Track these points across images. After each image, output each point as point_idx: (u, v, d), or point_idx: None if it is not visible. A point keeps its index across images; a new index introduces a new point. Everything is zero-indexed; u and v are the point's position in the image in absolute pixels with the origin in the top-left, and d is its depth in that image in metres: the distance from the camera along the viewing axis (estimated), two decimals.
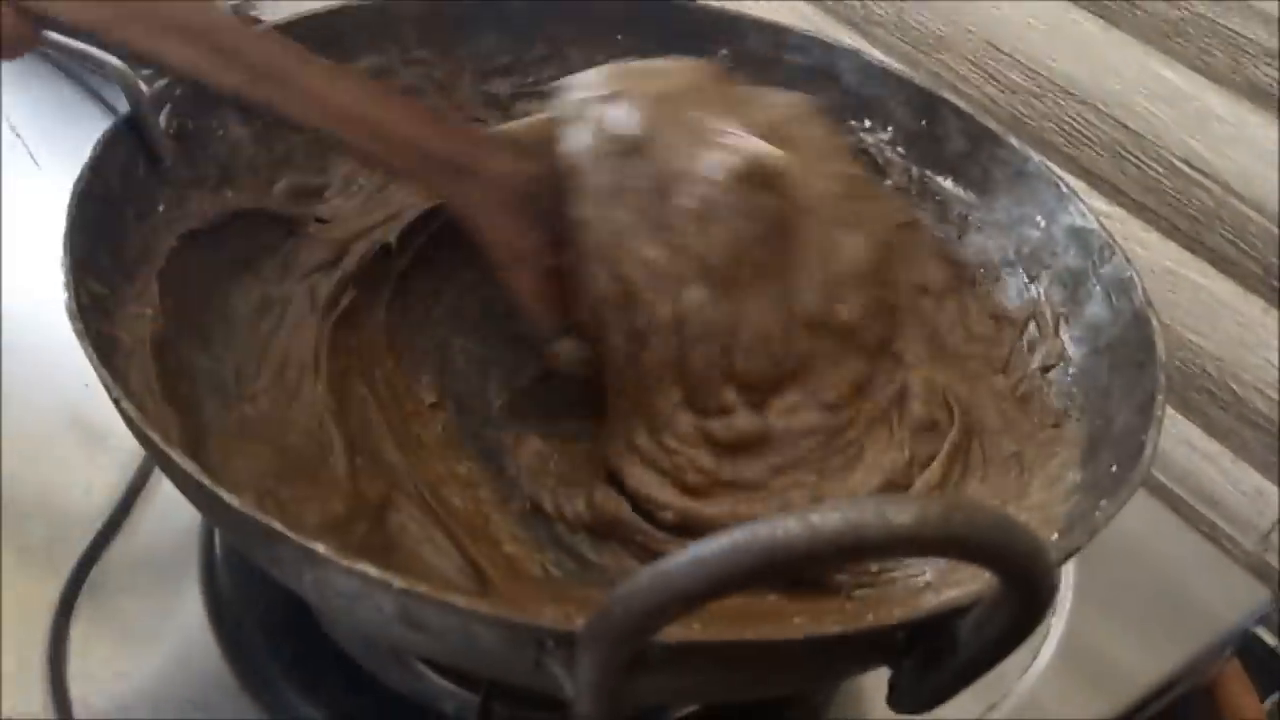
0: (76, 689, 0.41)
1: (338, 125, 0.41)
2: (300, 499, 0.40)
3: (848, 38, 0.71)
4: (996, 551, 0.24)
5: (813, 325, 0.44)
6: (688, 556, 0.24)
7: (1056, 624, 0.51)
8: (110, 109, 0.66)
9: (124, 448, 0.49)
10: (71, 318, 0.35)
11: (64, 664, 0.41)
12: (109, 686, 0.41)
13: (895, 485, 0.44)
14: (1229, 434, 0.59)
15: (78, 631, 0.43)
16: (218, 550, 0.47)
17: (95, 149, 0.40)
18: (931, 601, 0.35)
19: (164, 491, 0.48)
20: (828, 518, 0.23)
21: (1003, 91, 0.64)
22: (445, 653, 0.36)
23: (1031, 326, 0.48)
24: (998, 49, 0.64)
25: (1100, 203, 0.61)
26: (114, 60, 0.40)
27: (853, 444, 0.46)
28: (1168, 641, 0.52)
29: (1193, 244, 0.58)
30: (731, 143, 0.43)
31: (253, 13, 0.68)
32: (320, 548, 0.29)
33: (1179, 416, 0.60)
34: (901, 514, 0.23)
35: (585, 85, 0.45)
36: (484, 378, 0.51)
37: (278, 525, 0.30)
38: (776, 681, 0.35)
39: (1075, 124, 0.61)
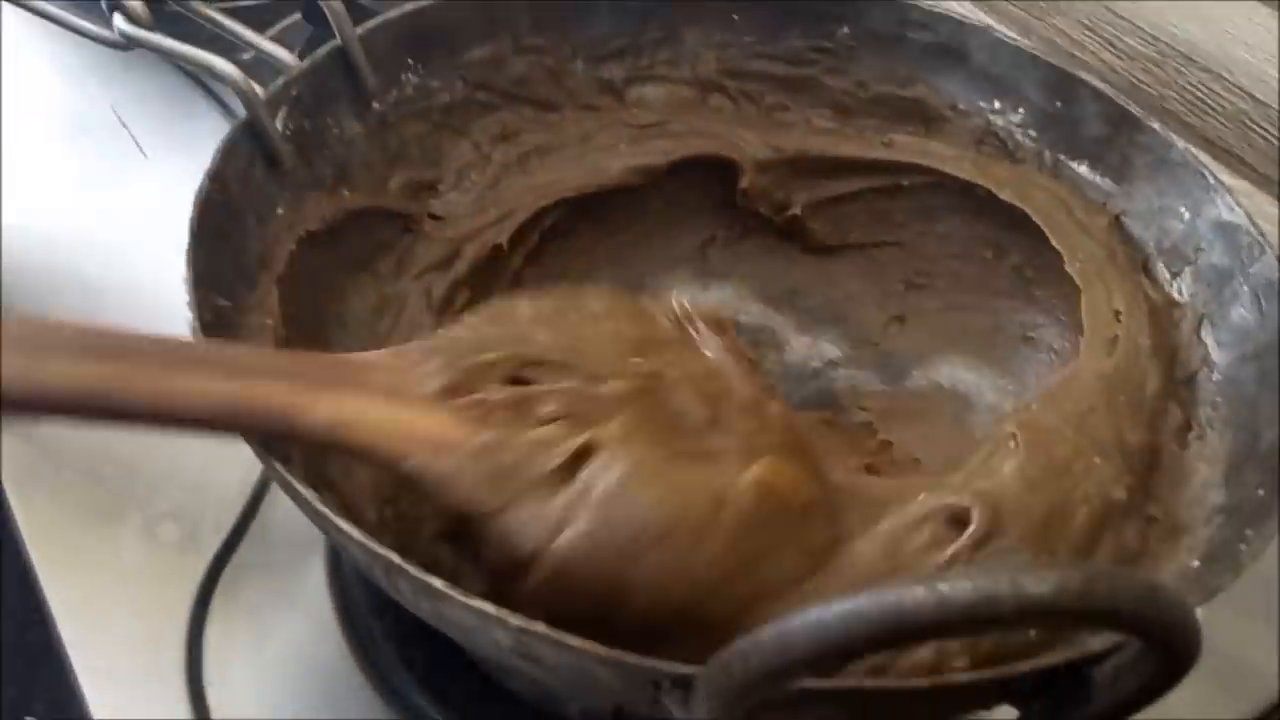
0: (213, 693, 0.42)
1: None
2: (421, 506, 0.40)
3: (959, 6, 0.68)
4: (1141, 622, 0.23)
5: None
6: (811, 619, 0.23)
7: None
8: (216, 99, 0.66)
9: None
10: (195, 336, 0.35)
11: (200, 667, 0.42)
12: (244, 689, 0.42)
13: None
14: None
15: (212, 633, 0.44)
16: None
17: (215, 158, 0.40)
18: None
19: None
20: (958, 586, 0.22)
21: (1120, 58, 0.61)
22: (562, 685, 0.36)
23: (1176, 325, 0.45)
24: (1116, 13, 0.60)
25: (1224, 175, 0.57)
26: (229, 67, 0.41)
27: None
28: None
29: None
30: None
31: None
32: (437, 582, 0.29)
33: None
34: (1039, 584, 0.22)
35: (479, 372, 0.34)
36: None
37: (395, 559, 0.30)
38: None
39: (1198, 93, 0.58)
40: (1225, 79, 0.56)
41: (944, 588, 0.22)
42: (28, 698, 0.46)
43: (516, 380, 0.35)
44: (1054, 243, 0.46)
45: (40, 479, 0.48)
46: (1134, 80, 0.60)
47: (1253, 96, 0.55)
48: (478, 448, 0.32)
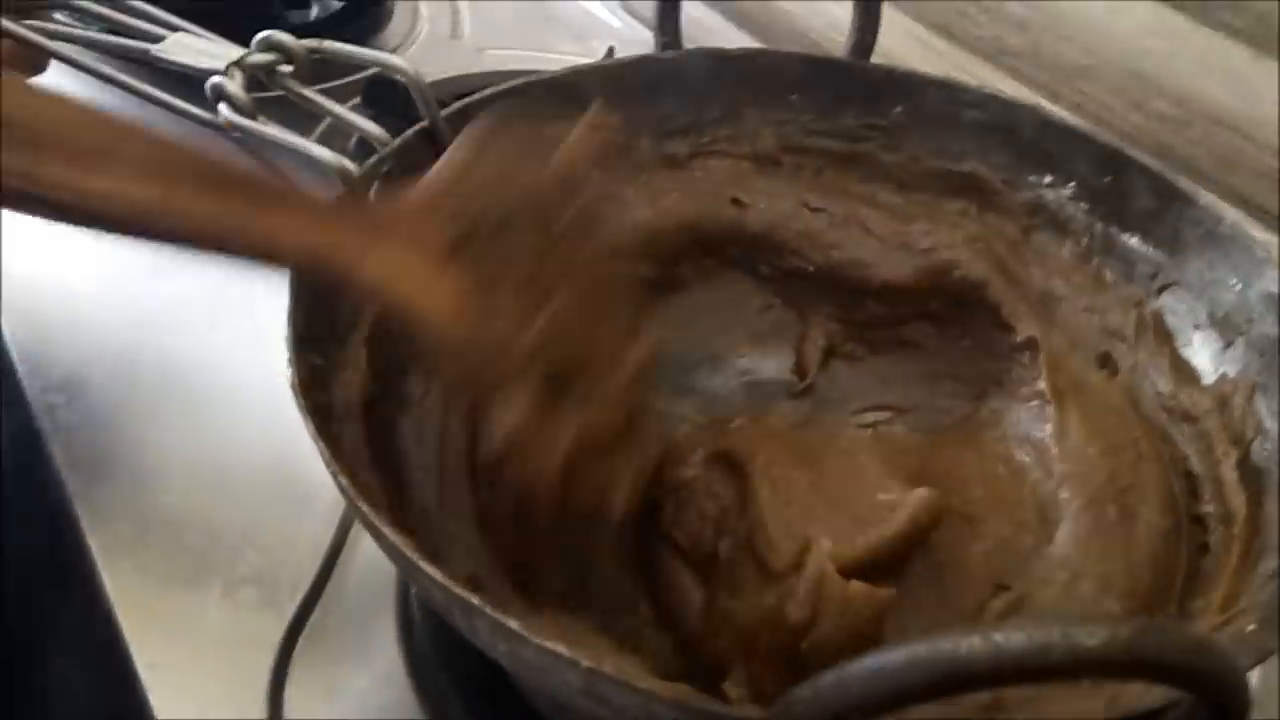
0: None
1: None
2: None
3: (982, 70, 0.70)
4: (1189, 675, 0.24)
5: None
6: (867, 666, 0.25)
7: None
8: None
9: (324, 498, 0.52)
10: (295, 394, 0.37)
11: None
12: None
13: None
14: None
15: (291, 693, 0.46)
16: (414, 606, 0.49)
17: None
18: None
19: (362, 546, 0.51)
20: (1012, 637, 0.24)
21: (1148, 120, 0.62)
22: None
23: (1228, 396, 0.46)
24: (1142, 79, 0.62)
25: (1257, 230, 0.59)
26: (326, 153, 0.43)
27: None
28: None
29: None
30: None
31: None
32: (514, 624, 0.31)
33: None
34: (1090, 636, 0.23)
35: None
36: None
37: (476, 600, 0.31)
38: None
39: (1226, 151, 0.59)
40: (1254, 138, 0.58)
41: (998, 637, 0.24)
42: None
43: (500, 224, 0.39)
44: None
45: (127, 547, 0.51)
46: (1161, 141, 0.62)
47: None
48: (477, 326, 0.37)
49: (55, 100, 0.37)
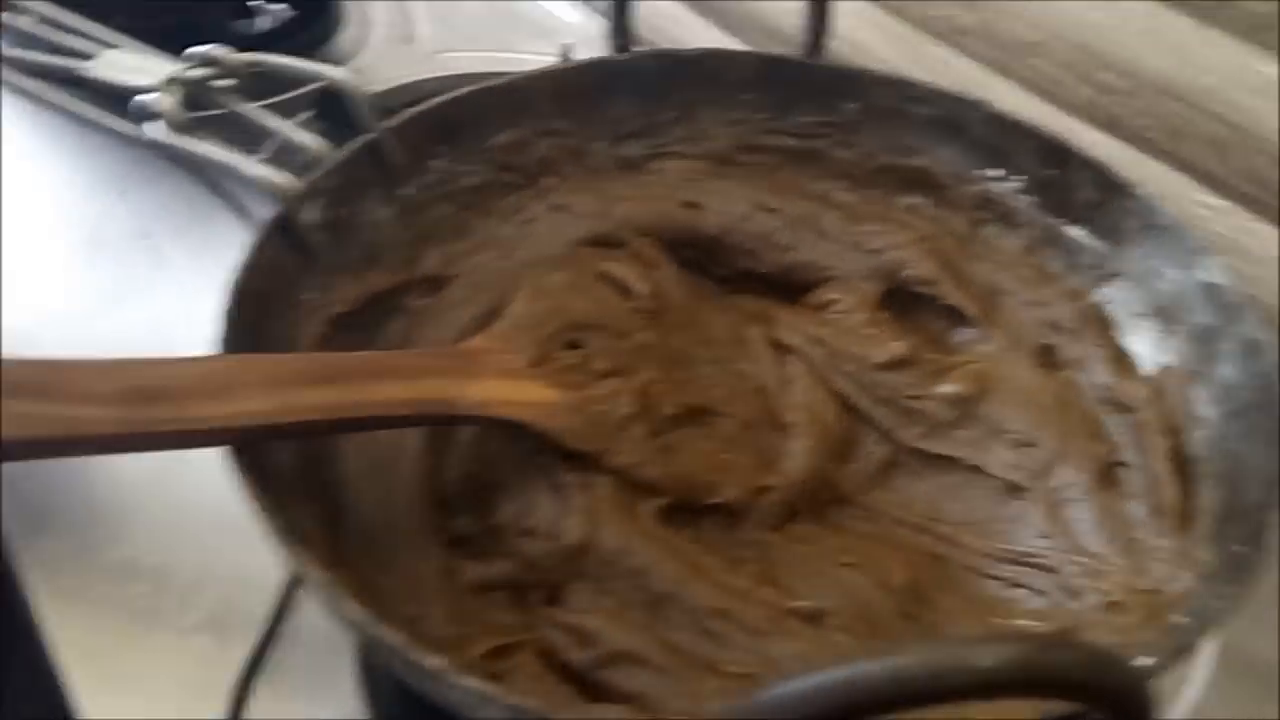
0: None
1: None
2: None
3: (937, 50, 0.71)
4: (1088, 690, 0.25)
5: None
6: (765, 699, 0.25)
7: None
8: (236, 205, 0.66)
9: None
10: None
11: None
12: None
13: None
14: None
15: None
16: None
17: (249, 251, 0.43)
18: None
19: None
20: (909, 661, 0.24)
21: (1097, 93, 0.63)
22: None
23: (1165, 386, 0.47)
24: (1089, 52, 0.63)
25: (1207, 196, 0.60)
26: (258, 168, 0.43)
27: None
28: None
29: None
30: None
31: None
32: (436, 662, 0.32)
33: None
34: (985, 657, 0.24)
35: None
36: None
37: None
38: None
39: (1174, 121, 0.60)
40: (1198, 106, 0.58)
41: (895, 662, 0.24)
42: None
43: (571, 343, 0.48)
44: None
45: (72, 596, 0.49)
46: (1111, 114, 0.62)
47: (1225, 120, 0.57)
48: (574, 406, 0.46)
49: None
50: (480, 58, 0.78)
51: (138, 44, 0.48)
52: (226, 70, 0.47)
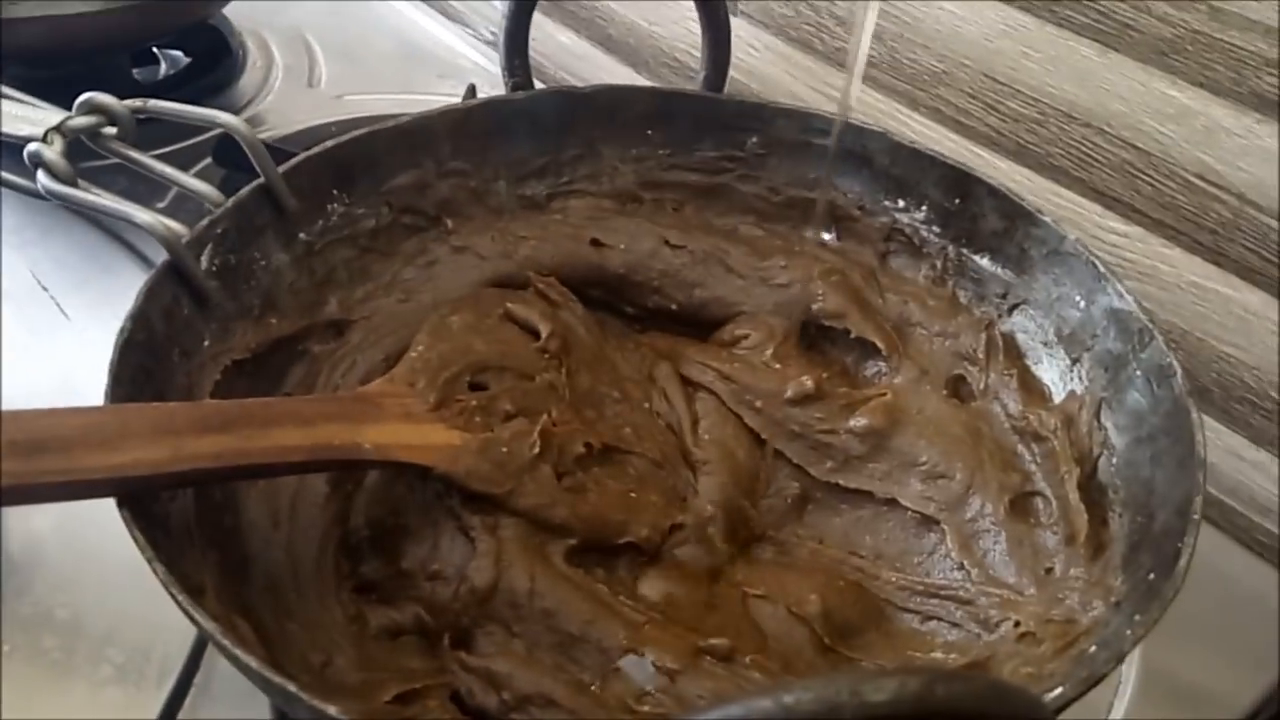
0: None
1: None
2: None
3: (841, 80, 0.71)
4: None
5: None
6: None
7: (1131, 660, 0.50)
8: (139, 255, 0.65)
9: None
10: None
11: None
12: None
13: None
14: (1275, 441, 0.57)
15: None
16: None
17: (137, 300, 0.42)
18: None
19: None
20: (800, 696, 0.23)
21: (1005, 121, 0.63)
22: None
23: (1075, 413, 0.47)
24: (996, 80, 0.63)
25: (1117, 223, 0.60)
26: (146, 215, 0.42)
27: None
28: (1253, 664, 0.50)
29: (1216, 257, 0.57)
30: None
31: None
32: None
33: (1224, 429, 0.59)
34: (877, 691, 0.23)
35: None
36: None
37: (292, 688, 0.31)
38: None
39: (1082, 147, 0.61)
40: (1106, 132, 0.59)
41: (787, 698, 0.23)
42: None
43: (475, 385, 0.48)
44: None
45: None
46: (1020, 141, 0.63)
47: (1134, 146, 0.58)
48: (477, 449, 0.45)
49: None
50: (384, 100, 0.77)
51: (18, 94, 0.47)
52: (112, 117, 0.46)
